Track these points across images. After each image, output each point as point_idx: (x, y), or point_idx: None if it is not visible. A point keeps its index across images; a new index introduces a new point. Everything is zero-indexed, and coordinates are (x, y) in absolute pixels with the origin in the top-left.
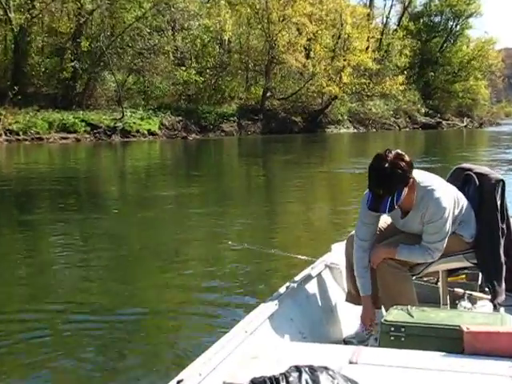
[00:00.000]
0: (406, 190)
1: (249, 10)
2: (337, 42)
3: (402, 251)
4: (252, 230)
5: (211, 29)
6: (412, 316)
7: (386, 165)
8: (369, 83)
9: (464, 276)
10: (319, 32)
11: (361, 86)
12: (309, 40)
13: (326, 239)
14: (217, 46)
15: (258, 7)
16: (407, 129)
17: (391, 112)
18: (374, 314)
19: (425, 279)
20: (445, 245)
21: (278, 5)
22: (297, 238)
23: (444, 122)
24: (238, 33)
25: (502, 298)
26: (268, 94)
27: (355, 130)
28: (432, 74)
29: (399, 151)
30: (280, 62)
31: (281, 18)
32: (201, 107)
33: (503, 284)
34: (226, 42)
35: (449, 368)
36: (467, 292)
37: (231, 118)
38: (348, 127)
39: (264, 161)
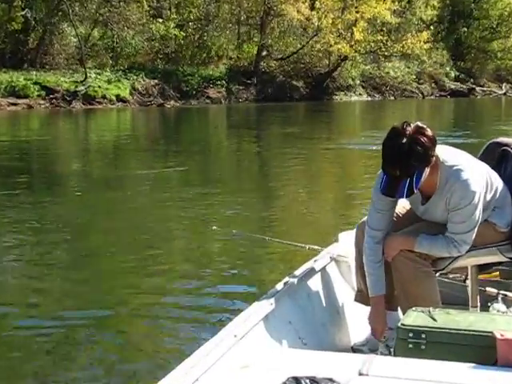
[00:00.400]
0: (427, 170)
1: None
2: None
3: (423, 242)
4: (243, 216)
5: None
6: (435, 320)
7: (404, 140)
8: (386, 41)
9: (498, 273)
10: None
11: (376, 44)
12: None
13: (333, 227)
14: None
15: None
16: (433, 97)
17: (413, 76)
18: (385, 319)
19: (451, 276)
20: (474, 236)
21: None
22: (297, 226)
23: (478, 89)
24: None
25: None
26: (263, 54)
27: (369, 98)
28: (465, 29)
29: (420, 124)
30: (278, 15)
31: None
32: (181, 68)
33: None
34: None
35: (478, 382)
36: (501, 292)
37: (218, 82)
38: (361, 94)
39: (258, 134)
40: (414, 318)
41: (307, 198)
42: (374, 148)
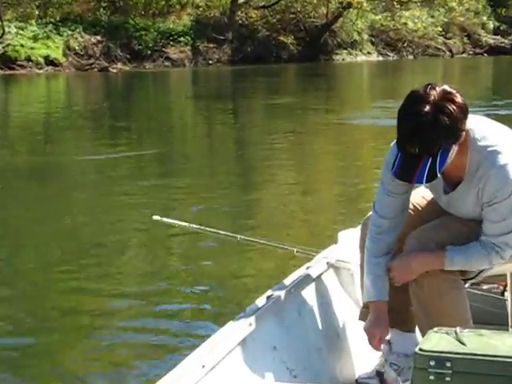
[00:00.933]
0: (455, 148)
1: None
2: None
3: (455, 258)
4: (214, 212)
5: None
6: (463, 343)
7: (427, 108)
8: None
9: None
10: None
11: None
12: None
13: (331, 226)
14: None
15: None
16: (465, 55)
17: (439, 28)
18: (387, 324)
19: (484, 287)
20: None
21: None
22: (286, 223)
23: None
24: None
25: None
26: (241, 0)
27: (381, 58)
28: None
29: (448, 88)
30: None
31: None
32: (132, 21)
33: None
34: None
35: None
36: None
37: (182, 39)
38: (370, 53)
39: (235, 107)
40: (436, 341)
41: (299, 188)
42: (388, 124)
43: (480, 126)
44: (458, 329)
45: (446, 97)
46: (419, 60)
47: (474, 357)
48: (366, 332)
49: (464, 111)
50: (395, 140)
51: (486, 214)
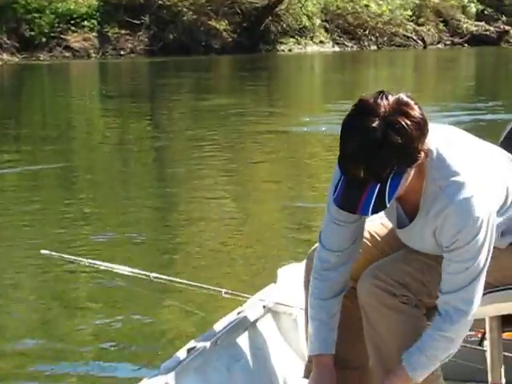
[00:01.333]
0: (410, 173)
1: None
2: None
3: (417, 371)
4: (122, 242)
5: None
6: None
7: (375, 123)
8: None
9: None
10: None
11: None
12: None
13: (270, 260)
14: None
15: None
16: (440, 45)
17: (409, 13)
18: None
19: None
20: (481, 291)
21: None
22: (214, 258)
23: None
24: None
25: None
26: None
27: (337, 48)
28: None
29: (403, 97)
30: None
31: None
32: (23, 0)
33: None
34: None
35: None
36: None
37: (86, 24)
38: (323, 42)
39: (153, 109)
40: None
41: (231, 215)
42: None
43: (443, 147)
44: None
45: (400, 109)
46: (384, 51)
47: None
48: None
49: (422, 127)
50: (337, 164)
51: (444, 264)
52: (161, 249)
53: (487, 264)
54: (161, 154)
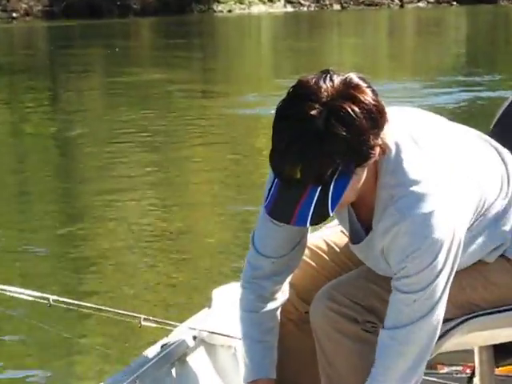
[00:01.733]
0: (361, 174)
1: None
2: None
3: None
4: (19, 261)
5: None
6: None
7: (315, 110)
8: None
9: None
10: None
11: None
12: None
13: (203, 280)
14: None
15: None
16: (422, 3)
17: None
18: None
19: (443, 371)
20: (435, 331)
21: None
22: (133, 278)
23: None
24: None
25: None
26: None
27: (290, 8)
28: None
29: (354, 78)
30: None
31: None
32: None
33: None
34: None
35: None
36: None
37: None
38: (272, 0)
39: (56, 87)
40: None
41: (157, 224)
42: None
43: (405, 143)
44: None
45: (348, 93)
46: (351, 11)
47: None
48: None
49: (375, 116)
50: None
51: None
52: (65, 264)
53: (445, 296)
54: (65, 145)
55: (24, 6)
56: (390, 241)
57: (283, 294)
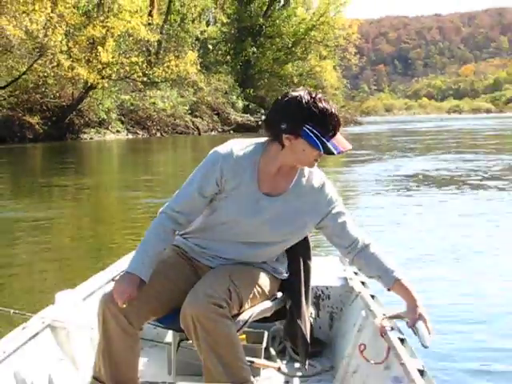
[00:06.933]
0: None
1: None
2: (100, 1)
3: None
4: None
5: None
6: None
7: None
8: (143, 63)
9: (243, 336)
10: None
11: (132, 67)
12: None
13: (50, 287)
14: None
15: None
16: (214, 132)
17: (186, 108)
18: (135, 286)
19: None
20: None
21: None
22: (6, 286)
23: None
24: None
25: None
26: None
27: (130, 136)
28: (254, 49)
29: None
30: None
31: None
32: None
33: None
34: None
35: None
36: (247, 359)
37: None
38: (119, 131)
39: None
40: None
41: (21, 249)
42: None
43: None
44: (160, 382)
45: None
46: (167, 137)
47: None
48: (115, 287)
49: None
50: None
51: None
52: None
53: None
54: None
55: None
56: (322, 197)
57: (174, 235)
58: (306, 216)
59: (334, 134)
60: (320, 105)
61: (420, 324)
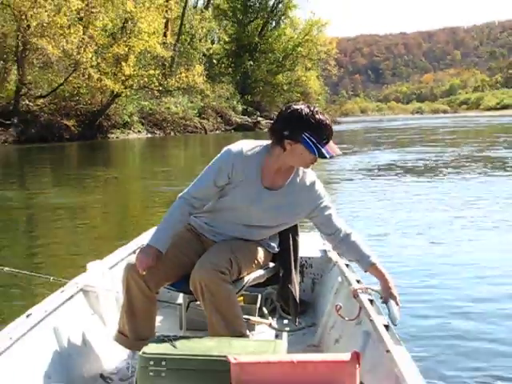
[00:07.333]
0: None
1: None
2: (123, 25)
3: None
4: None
5: None
6: (175, 347)
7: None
8: (159, 75)
9: (241, 298)
10: (93, 10)
11: (150, 78)
12: (80, 20)
13: (83, 258)
14: None
15: None
16: (218, 131)
17: (195, 111)
18: (155, 257)
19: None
20: None
21: None
22: (48, 257)
23: (264, 122)
24: None
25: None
26: (23, 91)
27: (149, 135)
28: (251, 63)
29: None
30: (35, 49)
31: None
32: None
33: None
34: None
35: None
36: (244, 317)
37: None
38: (140, 131)
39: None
40: (155, 346)
41: (67, 231)
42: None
43: None
44: (173, 336)
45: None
46: (179, 136)
47: (181, 356)
48: (137, 257)
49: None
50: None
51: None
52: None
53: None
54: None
55: (2, 137)
56: (312, 194)
57: (190, 216)
58: (298, 208)
59: (328, 142)
60: (317, 117)
61: (391, 303)
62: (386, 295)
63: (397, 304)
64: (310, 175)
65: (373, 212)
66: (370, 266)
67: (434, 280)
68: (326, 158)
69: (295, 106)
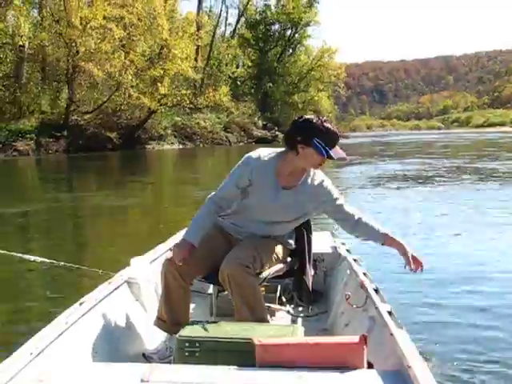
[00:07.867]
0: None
1: (44, 12)
2: (160, 51)
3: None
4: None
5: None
6: (207, 330)
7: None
8: (190, 94)
9: (263, 288)
10: (133, 38)
11: (182, 97)
12: (123, 46)
13: (127, 254)
14: (10, 53)
15: (51, 8)
16: (241, 143)
17: (221, 126)
18: (188, 250)
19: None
20: None
21: (76, 6)
22: (95, 252)
23: (282, 136)
24: (34, 37)
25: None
26: (72, 108)
27: (181, 146)
28: (270, 84)
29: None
30: (82, 72)
31: (83, 22)
32: None
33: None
34: (26, 48)
35: (241, 381)
36: (266, 304)
37: (28, 135)
38: (173, 143)
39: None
40: (190, 330)
41: (113, 230)
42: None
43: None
44: (205, 321)
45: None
46: (207, 147)
47: (211, 339)
48: (173, 250)
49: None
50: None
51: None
52: (65, 247)
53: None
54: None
55: (54, 147)
56: (322, 190)
57: (217, 216)
58: (310, 204)
59: (334, 145)
60: (325, 125)
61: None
62: (407, 258)
63: (418, 261)
64: (319, 175)
65: (373, 213)
66: (384, 239)
67: (430, 275)
68: (333, 159)
69: (307, 116)
